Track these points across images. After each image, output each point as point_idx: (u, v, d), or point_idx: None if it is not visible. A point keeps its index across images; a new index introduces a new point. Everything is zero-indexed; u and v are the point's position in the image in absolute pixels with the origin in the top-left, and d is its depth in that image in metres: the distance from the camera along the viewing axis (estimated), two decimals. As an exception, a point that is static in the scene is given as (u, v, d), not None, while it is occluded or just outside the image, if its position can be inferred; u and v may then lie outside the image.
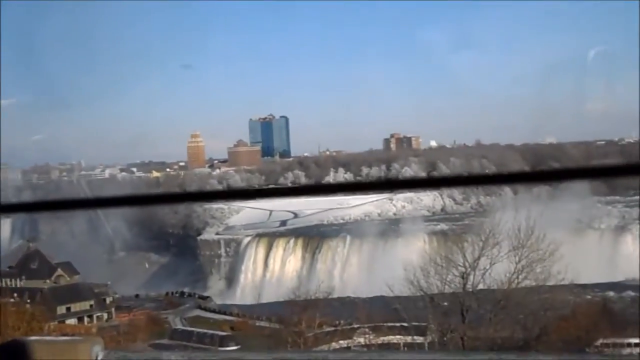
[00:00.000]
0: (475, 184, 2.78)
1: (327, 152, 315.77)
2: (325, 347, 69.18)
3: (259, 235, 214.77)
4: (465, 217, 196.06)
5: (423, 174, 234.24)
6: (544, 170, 2.79)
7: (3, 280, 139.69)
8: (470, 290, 60.57)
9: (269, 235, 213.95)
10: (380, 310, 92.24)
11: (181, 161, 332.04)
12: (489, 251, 61.24)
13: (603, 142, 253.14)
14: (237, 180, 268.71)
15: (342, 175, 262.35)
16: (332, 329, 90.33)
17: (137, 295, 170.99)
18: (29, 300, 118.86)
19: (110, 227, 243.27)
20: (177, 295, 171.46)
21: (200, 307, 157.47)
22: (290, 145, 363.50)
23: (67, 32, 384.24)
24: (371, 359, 5.47)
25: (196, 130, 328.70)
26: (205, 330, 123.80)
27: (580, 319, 76.90)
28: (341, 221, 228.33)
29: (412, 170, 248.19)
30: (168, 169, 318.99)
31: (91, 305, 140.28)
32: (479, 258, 60.99)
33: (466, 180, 2.85)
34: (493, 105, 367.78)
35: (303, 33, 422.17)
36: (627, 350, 75.78)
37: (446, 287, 62.62)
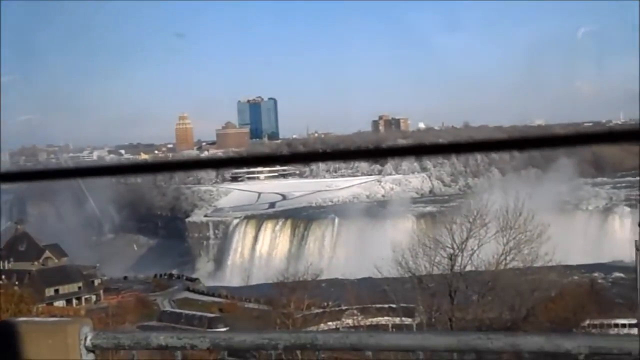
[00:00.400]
0: (464, 151, 2.77)
1: (316, 134, 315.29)
2: (313, 328, 69.33)
3: (248, 217, 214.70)
4: (454, 198, 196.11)
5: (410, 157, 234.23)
6: (532, 137, 2.79)
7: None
8: (459, 271, 60.72)
9: (258, 217, 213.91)
10: (369, 292, 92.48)
11: (169, 143, 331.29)
12: (477, 233, 61.34)
13: (591, 124, 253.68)
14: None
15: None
16: (321, 310, 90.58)
17: (125, 278, 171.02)
18: (17, 282, 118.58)
19: (98, 209, 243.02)
20: (166, 277, 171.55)
21: (188, 289, 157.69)
22: (278, 127, 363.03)
23: (56, 14, 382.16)
24: (360, 339, 5.49)
25: (184, 112, 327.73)
26: (194, 312, 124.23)
27: (567, 300, 77.32)
28: (329, 203, 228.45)
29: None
30: (156, 151, 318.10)
31: (79, 287, 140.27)
32: (467, 239, 61.06)
33: (456, 148, 2.84)
34: (481, 87, 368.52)
35: (292, 15, 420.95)
36: (615, 331, 76.29)
37: (434, 268, 62.72)
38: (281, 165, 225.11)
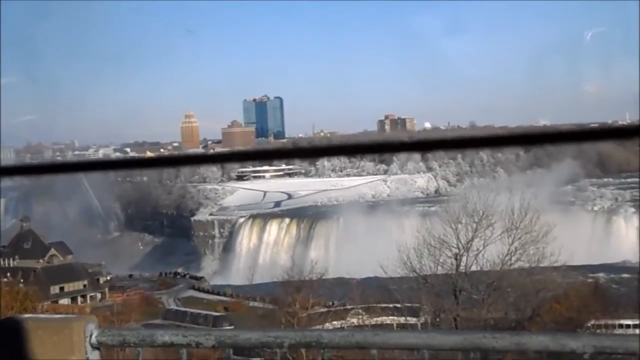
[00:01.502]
0: (466, 147, 2.78)
1: (322, 133, 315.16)
2: (319, 327, 69.24)
3: (253, 216, 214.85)
4: (459, 198, 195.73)
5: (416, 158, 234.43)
6: (537, 133, 2.79)
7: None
8: (464, 271, 60.65)
9: (263, 216, 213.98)
10: (374, 291, 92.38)
11: (175, 142, 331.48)
12: (482, 232, 61.25)
13: (597, 125, 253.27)
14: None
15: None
16: (326, 309, 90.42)
17: (130, 276, 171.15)
18: (22, 280, 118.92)
19: (104, 207, 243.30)
20: (171, 275, 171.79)
21: (194, 288, 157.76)
22: (284, 126, 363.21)
23: (60, 12, 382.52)
24: (365, 337, 5.49)
25: (190, 110, 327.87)
26: (199, 311, 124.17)
27: (572, 300, 77.09)
28: (335, 202, 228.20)
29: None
30: (162, 150, 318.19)
31: (85, 285, 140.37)
32: (472, 239, 61.02)
33: (457, 144, 2.84)
34: (487, 87, 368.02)
35: (298, 15, 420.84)
36: (619, 332, 76.12)
37: (439, 268, 62.65)
38: (286, 162, 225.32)
